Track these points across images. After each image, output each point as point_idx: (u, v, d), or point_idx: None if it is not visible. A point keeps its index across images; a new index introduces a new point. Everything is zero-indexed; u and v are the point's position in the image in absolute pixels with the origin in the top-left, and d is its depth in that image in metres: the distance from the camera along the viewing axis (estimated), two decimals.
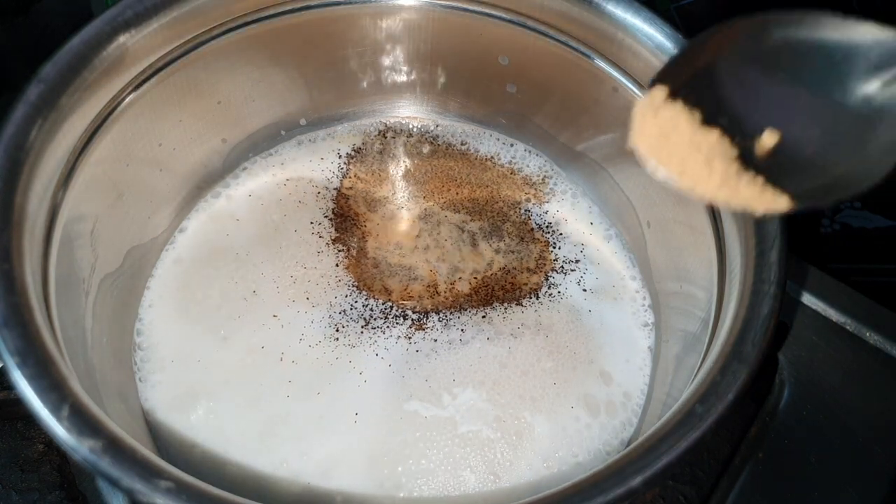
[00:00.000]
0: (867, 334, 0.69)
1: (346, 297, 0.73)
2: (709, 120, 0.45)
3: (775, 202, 0.44)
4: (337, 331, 0.70)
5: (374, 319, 0.72)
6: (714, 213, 0.61)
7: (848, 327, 0.70)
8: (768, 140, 0.45)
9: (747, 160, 0.45)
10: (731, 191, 0.44)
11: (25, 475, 0.64)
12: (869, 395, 0.68)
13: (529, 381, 0.68)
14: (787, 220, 0.54)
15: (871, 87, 0.45)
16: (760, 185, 0.44)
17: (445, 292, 0.74)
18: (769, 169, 0.45)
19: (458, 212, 0.80)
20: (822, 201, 0.45)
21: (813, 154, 0.46)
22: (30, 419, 0.45)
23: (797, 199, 0.44)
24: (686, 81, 0.46)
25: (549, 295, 0.74)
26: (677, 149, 0.44)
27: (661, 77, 0.46)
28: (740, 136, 0.45)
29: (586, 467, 0.63)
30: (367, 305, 0.72)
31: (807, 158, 0.46)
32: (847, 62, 0.46)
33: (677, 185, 0.44)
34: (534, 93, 0.78)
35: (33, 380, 0.45)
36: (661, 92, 0.45)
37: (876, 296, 0.71)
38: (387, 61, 0.80)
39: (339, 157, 0.83)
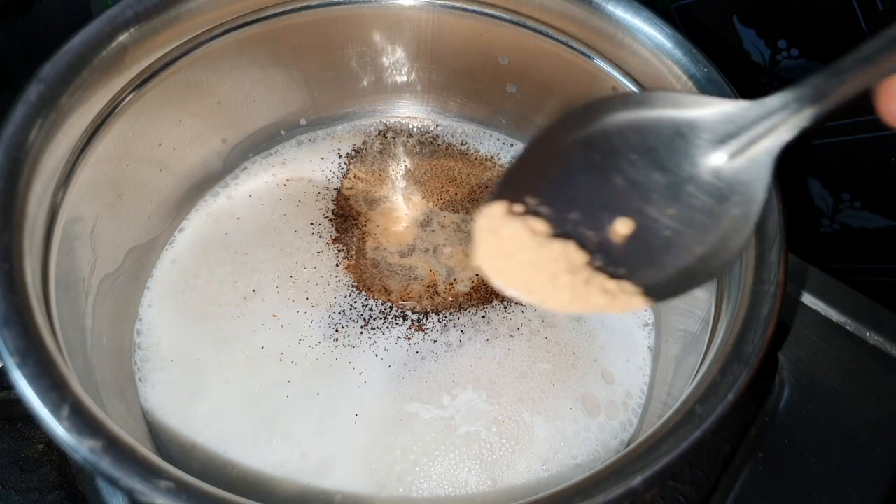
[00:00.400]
0: (867, 334, 0.69)
1: (346, 297, 0.73)
2: (556, 224, 0.44)
3: (630, 304, 0.43)
4: (336, 331, 0.70)
5: (374, 320, 0.72)
6: None
7: (848, 327, 0.70)
8: (622, 229, 0.45)
9: (605, 256, 0.44)
10: (582, 302, 0.43)
11: (25, 475, 0.64)
12: (869, 395, 0.68)
13: (529, 382, 0.68)
14: (787, 220, 0.54)
15: (718, 161, 0.45)
16: (614, 288, 0.43)
17: (445, 293, 0.74)
18: (628, 260, 0.44)
19: (458, 212, 0.80)
20: (681, 290, 0.45)
21: (671, 238, 0.45)
22: (30, 419, 0.45)
23: (653, 295, 0.44)
24: (526, 190, 0.45)
25: None
26: (521, 268, 0.43)
27: (499, 192, 0.45)
28: (594, 231, 0.45)
29: (586, 468, 0.63)
30: (366, 306, 0.72)
31: (664, 244, 0.45)
32: (693, 138, 0.46)
33: (527, 302, 0.43)
34: (534, 93, 0.78)
35: (33, 380, 0.45)
36: (499, 209, 0.44)
37: (876, 296, 0.71)
38: (387, 61, 0.80)
39: (340, 156, 0.83)
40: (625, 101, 0.47)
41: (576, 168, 0.46)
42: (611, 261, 0.44)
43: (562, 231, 0.44)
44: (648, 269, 0.44)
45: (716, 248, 0.44)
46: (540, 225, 0.44)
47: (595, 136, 0.46)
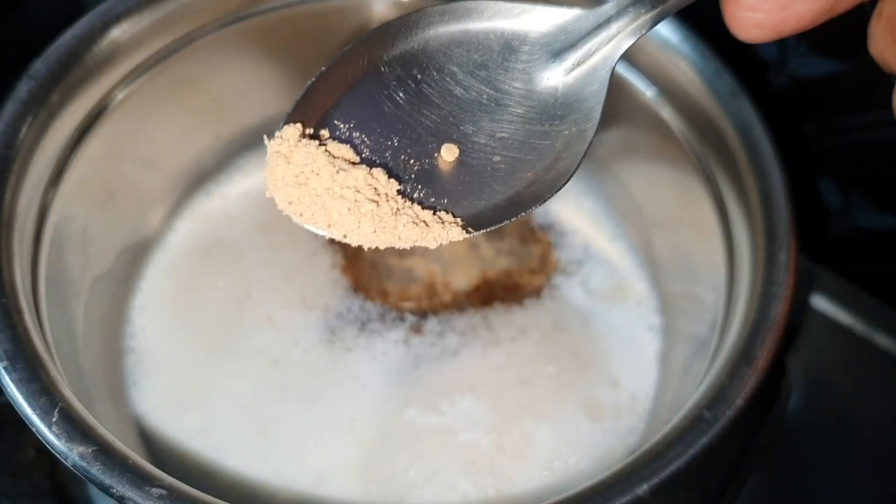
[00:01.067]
0: (877, 337, 0.69)
1: (343, 299, 0.72)
2: (370, 151, 0.41)
3: (446, 234, 0.40)
4: (333, 334, 0.70)
5: (372, 322, 0.71)
6: (723, 214, 0.60)
7: (858, 330, 0.70)
8: (447, 155, 0.42)
9: (424, 186, 0.41)
10: (388, 235, 0.40)
11: (16, 481, 0.63)
12: (880, 400, 0.68)
13: (531, 387, 0.67)
14: (797, 220, 0.54)
15: (553, 77, 0.42)
16: (428, 218, 0.40)
17: (444, 294, 0.73)
18: (451, 190, 0.41)
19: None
20: (505, 218, 0.41)
21: (500, 163, 0.42)
22: (20, 424, 0.45)
23: (474, 224, 0.41)
24: (333, 114, 0.42)
25: (552, 297, 0.73)
26: (317, 198, 0.39)
27: (296, 113, 0.41)
28: (415, 159, 0.42)
29: (590, 475, 0.62)
30: (363, 308, 0.71)
31: (493, 169, 0.42)
32: (525, 52, 0.43)
33: (330, 236, 0.40)
34: None
35: (22, 384, 0.45)
36: (293, 131, 0.41)
37: (886, 298, 0.71)
38: None
39: None
40: (447, 12, 0.43)
41: (393, 88, 0.42)
42: (431, 192, 0.41)
43: (373, 160, 0.41)
44: (473, 199, 0.41)
45: (547, 171, 0.42)
46: (342, 150, 0.41)
47: (415, 51, 0.43)
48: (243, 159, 0.80)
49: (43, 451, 0.64)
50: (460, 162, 0.42)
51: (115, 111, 0.62)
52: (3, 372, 0.45)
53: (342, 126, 0.42)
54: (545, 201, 0.41)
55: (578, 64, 0.42)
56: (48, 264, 0.55)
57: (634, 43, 0.41)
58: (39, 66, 0.55)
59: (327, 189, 0.39)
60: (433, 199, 0.41)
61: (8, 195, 0.51)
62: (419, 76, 0.43)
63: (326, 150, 0.40)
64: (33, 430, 0.44)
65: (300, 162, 0.40)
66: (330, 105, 0.42)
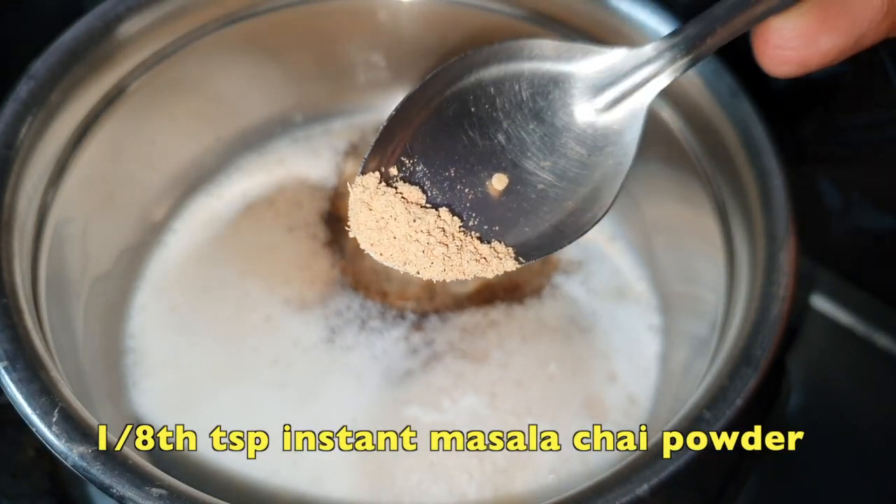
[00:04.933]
0: (877, 337, 0.69)
1: (342, 298, 0.72)
2: (432, 184, 0.46)
3: (501, 266, 0.45)
4: (333, 333, 0.70)
5: (371, 320, 0.71)
6: (723, 214, 0.60)
7: (857, 330, 0.70)
8: (497, 184, 0.46)
9: (479, 215, 0.46)
10: (455, 271, 0.44)
11: (16, 481, 0.64)
12: (879, 400, 0.68)
13: (531, 386, 0.67)
14: (797, 221, 0.54)
15: (594, 112, 0.46)
16: (486, 252, 0.44)
17: (445, 293, 0.73)
18: (501, 218, 0.46)
19: None
20: (551, 248, 0.46)
21: (544, 191, 0.46)
22: (20, 424, 0.45)
23: (524, 254, 0.45)
24: (401, 150, 0.46)
25: (553, 296, 0.73)
26: (395, 240, 0.44)
27: (372, 157, 0.45)
28: (469, 188, 0.46)
29: (590, 475, 0.62)
30: (363, 306, 0.71)
31: (538, 198, 0.46)
32: (569, 87, 0.47)
33: (404, 271, 0.44)
34: None
35: (23, 384, 0.45)
36: (373, 179, 0.44)
37: (886, 298, 0.71)
38: (384, 55, 0.79)
39: (336, 153, 0.82)
40: (500, 52, 0.47)
41: (451, 123, 0.47)
42: (485, 219, 0.46)
43: (436, 195, 0.46)
44: (521, 227, 0.46)
45: (587, 201, 0.46)
46: (413, 193, 0.45)
47: (469, 87, 0.47)
48: (243, 159, 0.80)
49: (43, 452, 0.64)
50: (509, 191, 0.46)
51: (115, 111, 0.62)
52: (3, 372, 0.46)
53: (408, 163, 0.46)
54: (585, 232, 0.45)
55: (617, 101, 0.46)
56: (48, 264, 0.55)
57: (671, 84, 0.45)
58: (39, 66, 0.55)
59: (405, 235, 0.44)
60: (486, 227, 0.46)
61: (8, 195, 0.51)
62: (473, 110, 0.47)
63: (401, 195, 0.44)
64: (33, 430, 0.44)
65: (380, 209, 0.44)
66: (400, 146, 0.46)
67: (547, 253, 0.46)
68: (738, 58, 0.60)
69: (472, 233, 0.45)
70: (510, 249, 0.45)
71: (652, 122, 0.66)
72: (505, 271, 0.45)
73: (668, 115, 0.64)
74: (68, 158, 0.58)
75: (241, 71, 0.72)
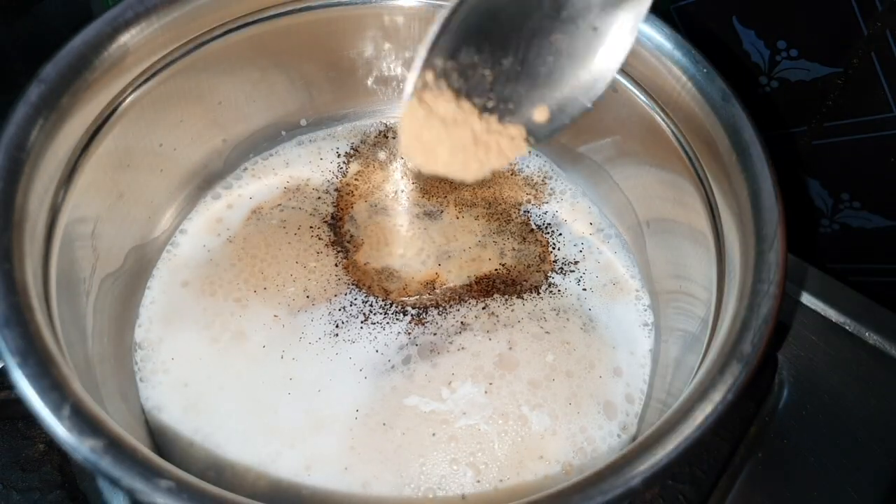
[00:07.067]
0: (866, 334, 0.70)
1: (346, 294, 0.73)
2: (459, 72, 0.51)
3: (518, 151, 0.52)
4: (337, 327, 0.71)
5: (374, 315, 0.72)
6: (714, 214, 0.61)
7: (847, 327, 0.70)
8: (508, 64, 0.52)
9: (497, 94, 0.52)
10: (486, 167, 0.51)
11: (26, 475, 0.64)
12: (868, 395, 0.68)
13: (528, 377, 0.68)
14: (787, 220, 0.54)
15: (593, 15, 0.52)
16: (505, 145, 0.51)
17: (445, 288, 0.74)
18: (515, 94, 0.52)
19: (459, 212, 0.80)
20: (558, 127, 0.53)
21: (553, 63, 0.53)
22: (30, 419, 0.45)
23: (534, 136, 0.53)
24: (444, 53, 0.51)
25: (550, 293, 0.74)
26: (439, 156, 0.51)
27: (427, 60, 0.50)
28: (489, 69, 0.51)
29: (585, 467, 0.63)
30: (367, 302, 0.72)
31: (547, 71, 0.53)
32: None
33: (446, 176, 0.51)
34: None
35: (34, 379, 0.45)
36: (421, 112, 0.50)
37: (875, 296, 0.72)
38: (387, 61, 0.80)
39: (340, 156, 0.83)
40: None
41: (475, 22, 0.51)
42: (501, 98, 0.52)
43: (461, 84, 0.51)
44: (532, 102, 0.53)
45: (588, 80, 0.53)
46: (447, 108, 0.51)
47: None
48: (250, 161, 0.81)
49: (52, 446, 0.65)
50: (523, 64, 0.52)
51: (124, 114, 0.62)
52: (15, 368, 0.45)
53: (446, 56, 0.51)
54: (587, 109, 0.53)
55: None
56: (59, 263, 0.56)
57: None
58: (49, 70, 0.55)
59: (447, 149, 0.51)
60: (503, 107, 0.52)
61: (19, 196, 0.51)
62: (494, 16, 0.51)
63: (440, 117, 0.51)
64: (44, 425, 0.44)
65: (427, 139, 0.50)
66: (444, 50, 0.51)
67: (553, 135, 0.53)
68: (729, 63, 0.61)
69: (491, 115, 0.51)
70: (522, 131, 0.52)
71: (646, 126, 0.67)
72: (521, 155, 0.53)
73: (660, 118, 0.65)
74: (78, 160, 0.59)
75: (247, 76, 0.73)
